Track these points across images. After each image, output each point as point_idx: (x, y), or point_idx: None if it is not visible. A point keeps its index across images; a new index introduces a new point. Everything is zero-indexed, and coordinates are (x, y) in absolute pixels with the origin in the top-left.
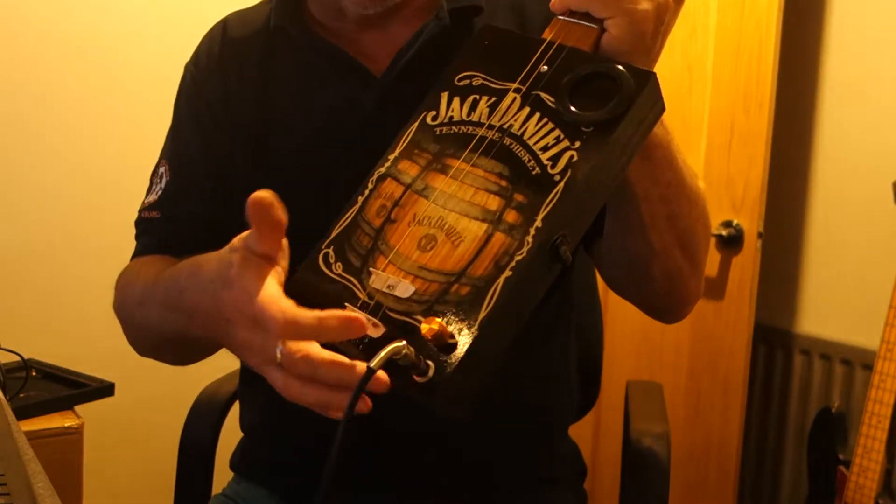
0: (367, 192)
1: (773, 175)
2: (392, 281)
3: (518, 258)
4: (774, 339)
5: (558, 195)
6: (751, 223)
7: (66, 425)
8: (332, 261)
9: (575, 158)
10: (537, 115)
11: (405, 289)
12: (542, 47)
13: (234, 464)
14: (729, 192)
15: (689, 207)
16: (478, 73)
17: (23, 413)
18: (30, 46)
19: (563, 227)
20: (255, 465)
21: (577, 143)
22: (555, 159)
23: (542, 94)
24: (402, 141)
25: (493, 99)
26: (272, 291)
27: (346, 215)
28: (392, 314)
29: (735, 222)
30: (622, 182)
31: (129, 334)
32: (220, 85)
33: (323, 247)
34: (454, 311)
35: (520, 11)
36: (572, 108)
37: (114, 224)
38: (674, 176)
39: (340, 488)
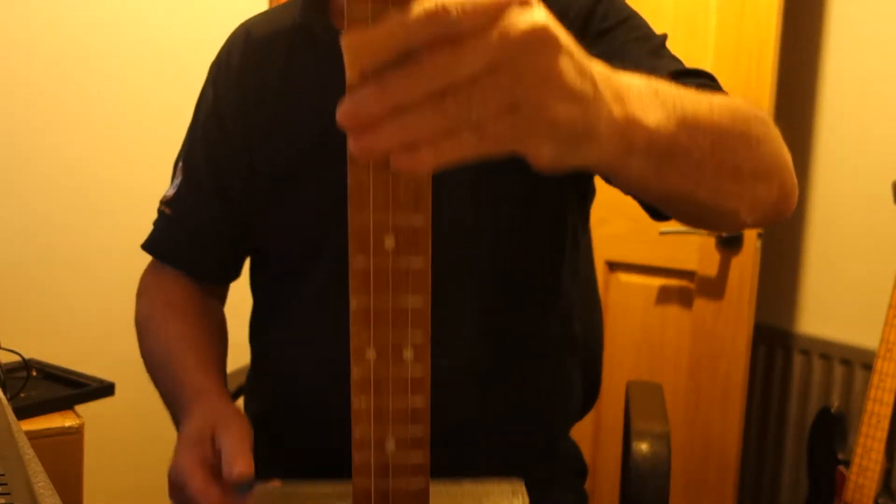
0: None
1: None
2: None
3: None
4: (774, 339)
5: None
6: None
7: (66, 425)
8: None
9: None
10: None
11: None
12: None
13: None
14: None
15: (744, 144)
16: None
17: (23, 413)
18: (34, 47)
19: None
20: (258, 462)
21: None
22: None
23: None
24: None
25: None
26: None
27: None
28: None
29: None
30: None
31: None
32: (238, 94)
33: None
34: None
35: None
36: None
37: (114, 224)
38: (707, 139)
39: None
